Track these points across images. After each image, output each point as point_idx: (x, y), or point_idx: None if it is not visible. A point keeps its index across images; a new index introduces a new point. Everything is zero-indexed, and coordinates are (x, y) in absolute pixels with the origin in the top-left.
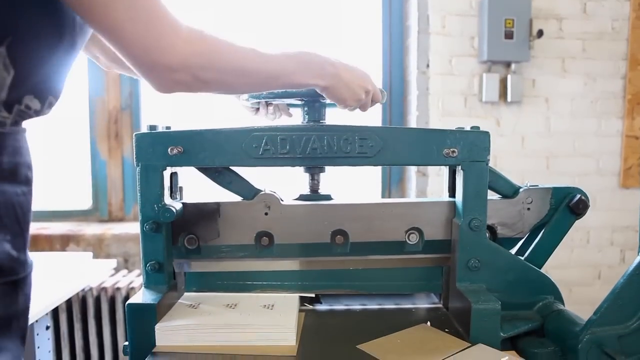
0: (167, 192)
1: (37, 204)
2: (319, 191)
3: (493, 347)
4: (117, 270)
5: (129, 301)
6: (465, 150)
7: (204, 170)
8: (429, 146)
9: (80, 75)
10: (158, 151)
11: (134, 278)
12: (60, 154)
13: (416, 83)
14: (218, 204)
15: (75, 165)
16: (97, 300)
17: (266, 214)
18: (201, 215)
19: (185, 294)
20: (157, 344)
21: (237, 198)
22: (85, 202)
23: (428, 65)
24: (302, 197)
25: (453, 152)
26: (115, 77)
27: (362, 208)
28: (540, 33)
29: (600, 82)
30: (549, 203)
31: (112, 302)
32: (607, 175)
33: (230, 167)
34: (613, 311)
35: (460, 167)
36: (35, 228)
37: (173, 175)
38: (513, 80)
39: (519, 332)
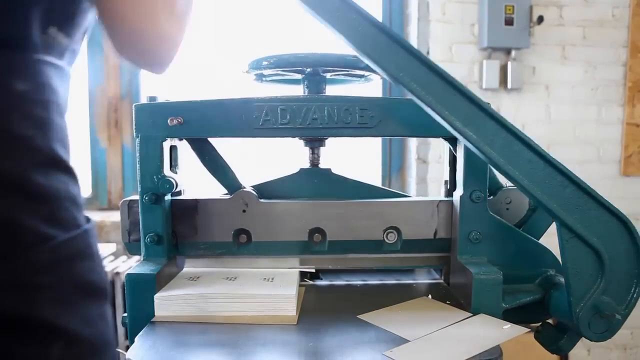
0: (166, 165)
1: None
2: (319, 165)
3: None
4: (116, 256)
5: (128, 271)
6: None
7: (196, 149)
8: (430, 117)
9: (80, 64)
10: (158, 122)
11: (133, 264)
12: None
13: None
14: (196, 201)
15: (74, 153)
16: None
17: (244, 211)
18: (179, 212)
19: (185, 269)
20: (155, 314)
21: (216, 192)
22: (84, 190)
23: (428, 53)
24: (302, 171)
25: None
26: (115, 66)
27: (340, 206)
28: (540, 19)
29: (600, 70)
30: (528, 204)
31: (111, 287)
32: (607, 163)
33: (222, 157)
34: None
35: None
36: None
37: (173, 149)
38: (513, 67)
39: (520, 304)
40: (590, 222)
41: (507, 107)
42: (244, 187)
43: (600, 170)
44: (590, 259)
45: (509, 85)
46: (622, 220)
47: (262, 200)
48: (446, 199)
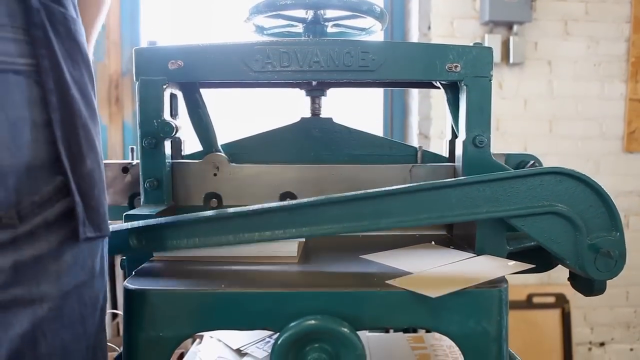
0: (167, 113)
1: None
2: (320, 115)
3: None
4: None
5: (127, 212)
6: (469, 66)
7: (187, 100)
8: (432, 61)
9: None
10: (158, 66)
11: None
12: None
13: None
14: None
15: None
16: None
17: (215, 174)
18: None
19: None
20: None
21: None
22: None
23: (429, 28)
24: (303, 120)
25: (456, 67)
26: (116, 42)
27: (310, 170)
28: None
29: (603, 45)
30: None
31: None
32: (610, 139)
33: (209, 114)
34: None
35: (463, 82)
36: None
37: (173, 97)
38: (515, 42)
39: (524, 248)
40: (528, 197)
41: (509, 82)
42: (218, 150)
43: (603, 146)
44: (555, 222)
45: (511, 60)
46: (554, 172)
47: (232, 164)
48: (420, 164)
